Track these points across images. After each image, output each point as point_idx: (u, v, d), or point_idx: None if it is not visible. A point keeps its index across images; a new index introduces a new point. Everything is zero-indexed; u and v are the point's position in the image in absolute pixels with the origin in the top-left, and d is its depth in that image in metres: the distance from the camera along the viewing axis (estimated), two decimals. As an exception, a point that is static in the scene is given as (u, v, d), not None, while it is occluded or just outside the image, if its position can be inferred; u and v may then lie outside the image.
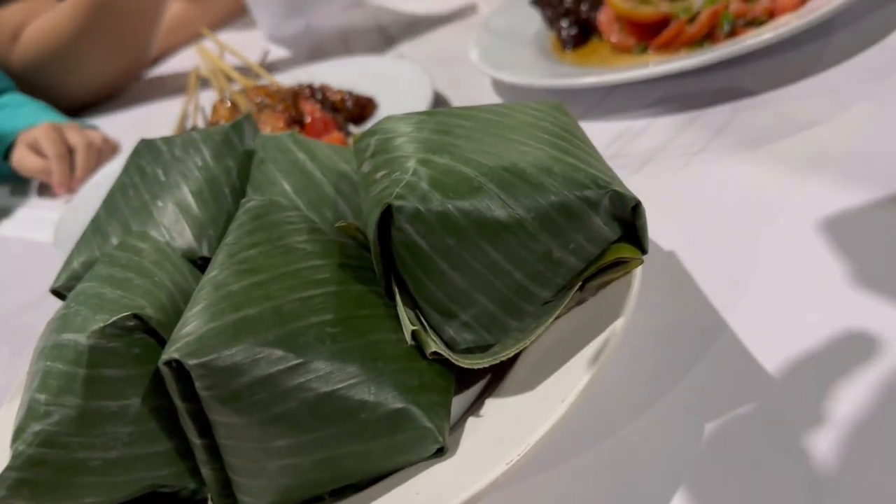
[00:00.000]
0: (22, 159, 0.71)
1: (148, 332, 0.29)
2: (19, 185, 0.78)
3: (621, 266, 0.29)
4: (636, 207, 0.28)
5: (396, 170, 0.28)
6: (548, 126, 0.32)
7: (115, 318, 0.28)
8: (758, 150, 0.41)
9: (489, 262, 0.27)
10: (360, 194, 0.33)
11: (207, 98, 0.70)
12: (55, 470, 0.28)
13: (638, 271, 0.29)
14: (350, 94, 0.60)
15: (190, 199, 0.37)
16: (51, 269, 0.58)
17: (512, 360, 0.30)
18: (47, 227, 0.65)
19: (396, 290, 0.29)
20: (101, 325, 0.28)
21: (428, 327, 0.29)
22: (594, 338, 0.28)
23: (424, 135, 0.31)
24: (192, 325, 0.26)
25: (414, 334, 0.28)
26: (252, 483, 0.27)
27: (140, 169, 0.39)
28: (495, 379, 0.30)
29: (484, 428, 0.27)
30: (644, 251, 0.29)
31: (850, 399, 0.27)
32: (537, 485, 0.29)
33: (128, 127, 0.82)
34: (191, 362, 0.25)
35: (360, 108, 0.59)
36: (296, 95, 0.58)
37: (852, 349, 0.29)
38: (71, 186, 0.69)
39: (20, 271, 0.62)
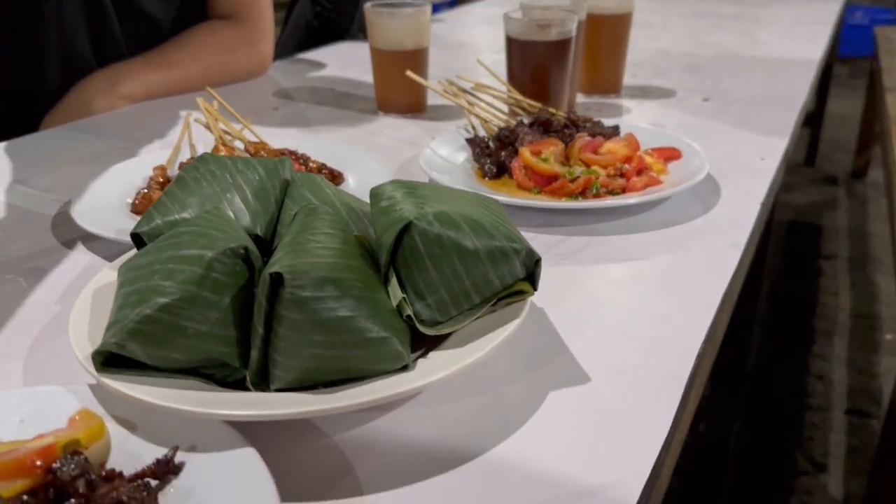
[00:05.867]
0: None
1: (245, 260, 0.46)
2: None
3: (520, 294, 0.50)
4: (538, 261, 0.50)
5: (414, 205, 0.49)
6: (492, 206, 0.53)
7: (234, 245, 0.45)
8: (597, 266, 0.65)
9: (454, 269, 0.48)
10: (373, 218, 0.53)
11: (198, 136, 0.86)
12: (164, 329, 0.44)
13: (529, 299, 0.50)
14: (325, 165, 0.80)
15: (250, 197, 0.55)
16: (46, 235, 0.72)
17: (447, 335, 0.49)
18: (48, 203, 0.79)
19: (393, 275, 0.49)
20: (225, 246, 0.45)
21: (406, 300, 0.48)
22: (498, 328, 0.48)
23: (424, 192, 0.52)
24: (283, 259, 0.45)
25: (399, 303, 0.47)
26: (288, 363, 0.44)
27: (211, 172, 0.57)
28: (434, 343, 0.50)
29: (427, 364, 0.47)
30: (535, 288, 0.50)
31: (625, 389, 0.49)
32: (444, 410, 0.48)
33: (118, 146, 0.97)
34: (287, 276, 0.43)
35: (332, 178, 0.79)
36: (290, 156, 0.77)
37: (632, 374, 0.51)
38: None
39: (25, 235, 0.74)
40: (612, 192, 0.76)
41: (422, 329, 0.48)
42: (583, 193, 0.76)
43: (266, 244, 0.54)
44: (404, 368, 0.46)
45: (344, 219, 0.55)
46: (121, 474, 0.40)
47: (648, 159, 0.81)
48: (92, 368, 0.44)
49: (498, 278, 0.49)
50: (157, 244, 0.49)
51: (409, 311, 0.47)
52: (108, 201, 0.75)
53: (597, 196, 0.76)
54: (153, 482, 0.40)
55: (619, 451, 0.44)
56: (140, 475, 0.40)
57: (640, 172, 0.79)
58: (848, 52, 4.22)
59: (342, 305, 0.44)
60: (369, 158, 0.83)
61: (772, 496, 1.59)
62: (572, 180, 0.77)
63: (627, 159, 0.80)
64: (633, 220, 0.74)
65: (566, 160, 0.82)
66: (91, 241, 0.71)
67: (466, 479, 0.43)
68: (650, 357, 0.53)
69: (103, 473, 0.40)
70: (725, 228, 0.72)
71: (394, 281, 0.49)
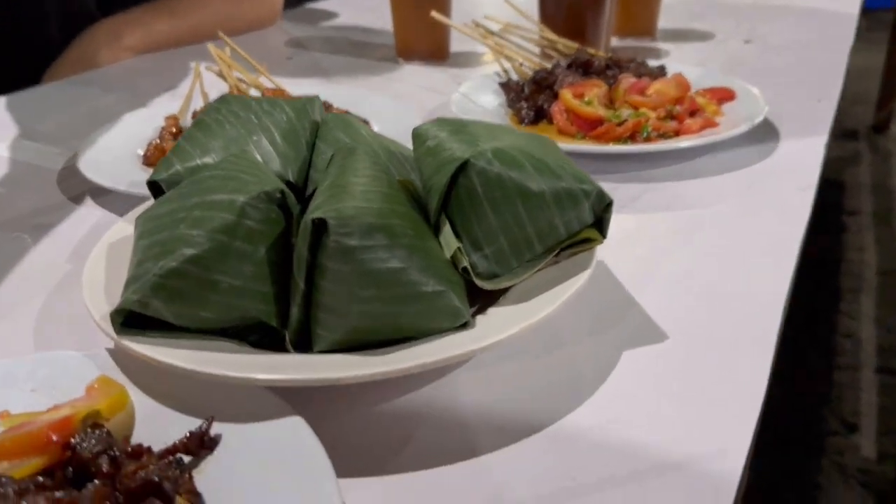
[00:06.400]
0: None
1: (281, 206, 0.41)
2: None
3: (587, 243, 0.45)
4: (609, 205, 0.44)
5: (466, 143, 0.43)
6: (549, 144, 0.47)
7: (269, 188, 0.40)
8: (657, 214, 0.59)
9: (516, 214, 0.42)
10: (418, 161, 0.47)
11: (210, 85, 0.80)
12: (192, 284, 0.38)
13: (597, 248, 0.45)
14: (349, 113, 0.74)
15: (278, 140, 0.49)
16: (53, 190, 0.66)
17: (506, 289, 0.44)
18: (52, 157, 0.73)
19: (446, 222, 0.43)
20: (259, 190, 0.40)
21: (461, 250, 0.43)
22: (566, 281, 0.43)
23: (474, 129, 0.46)
24: (325, 203, 0.39)
25: (454, 254, 0.42)
26: (334, 320, 0.39)
27: (234, 113, 0.51)
28: (489, 299, 0.44)
29: (488, 321, 0.41)
30: (605, 236, 0.45)
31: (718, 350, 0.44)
32: (510, 369, 0.43)
33: (125, 99, 0.91)
34: (332, 222, 0.38)
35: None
36: (309, 101, 0.71)
37: (708, 328, 0.46)
38: None
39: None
40: (664, 136, 0.70)
41: (479, 283, 0.43)
42: (631, 138, 0.70)
43: (299, 191, 0.48)
44: (464, 326, 0.40)
45: (384, 162, 0.49)
46: (149, 450, 0.35)
47: (701, 100, 0.75)
48: (110, 329, 0.39)
49: (563, 224, 0.43)
50: (178, 190, 0.43)
51: (465, 263, 0.42)
52: (117, 153, 0.70)
53: (648, 140, 0.69)
54: (186, 458, 0.35)
55: (712, 416, 0.39)
56: (171, 451, 0.35)
57: (692, 114, 0.73)
58: (866, 4, 4.10)
59: (393, 256, 0.39)
60: (395, 105, 0.77)
61: (802, 457, 1.55)
62: (619, 124, 0.71)
63: (678, 101, 0.74)
64: (689, 165, 0.68)
65: (610, 103, 0.76)
66: (101, 195, 0.65)
67: (537, 450, 0.38)
68: (730, 311, 0.47)
69: (129, 449, 0.35)
70: (790, 172, 0.66)
71: (447, 229, 0.43)
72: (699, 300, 0.48)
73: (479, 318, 0.42)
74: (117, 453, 0.34)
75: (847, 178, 2.75)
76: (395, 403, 0.41)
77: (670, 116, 0.72)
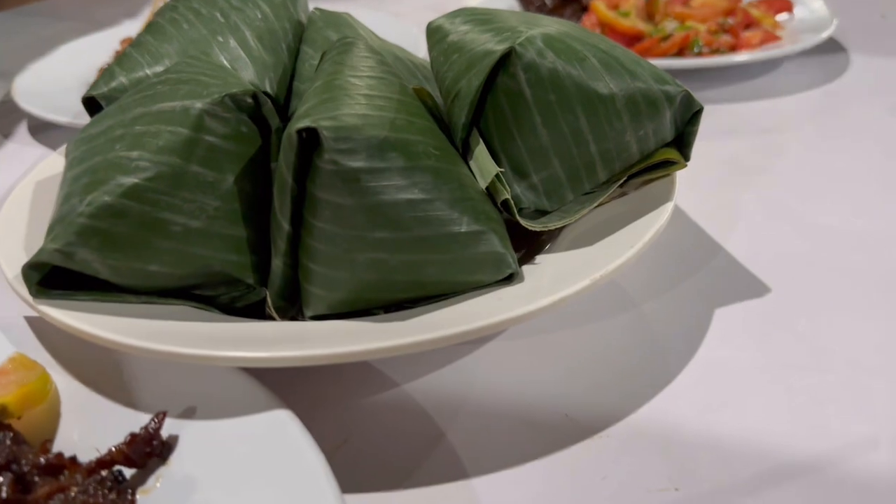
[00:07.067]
0: None
1: (255, 117, 0.30)
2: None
3: (665, 167, 0.34)
4: (697, 113, 0.33)
5: (508, 31, 0.32)
6: (607, 39, 0.36)
7: (237, 91, 0.29)
8: (726, 140, 0.49)
9: (576, 127, 0.31)
10: (436, 62, 0.36)
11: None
12: (134, 225, 0.27)
13: (677, 175, 0.34)
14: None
15: (252, 42, 0.38)
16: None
17: (552, 233, 0.33)
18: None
19: (479, 140, 0.32)
20: (223, 92, 0.28)
21: (501, 178, 0.32)
22: (640, 219, 0.32)
23: (510, 17, 0.34)
24: (317, 109, 0.28)
25: (492, 182, 0.31)
26: (333, 274, 0.28)
27: (194, 10, 0.39)
28: (535, 242, 0.33)
29: (538, 273, 0.31)
30: (688, 158, 0.34)
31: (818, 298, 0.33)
32: (568, 336, 0.32)
33: (78, 28, 0.78)
34: (327, 134, 0.26)
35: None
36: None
37: (812, 267, 0.35)
38: None
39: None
40: (717, 52, 0.59)
41: (524, 223, 0.32)
42: (679, 55, 0.59)
43: (279, 108, 0.37)
44: (509, 279, 0.30)
45: (392, 65, 0.38)
46: (73, 461, 0.25)
47: (756, 13, 0.63)
48: (24, 291, 0.28)
49: (637, 142, 0.32)
50: (119, 103, 0.32)
51: (506, 195, 0.31)
52: (64, 84, 0.58)
53: (700, 56, 0.58)
54: (127, 472, 0.25)
55: (847, 393, 0.29)
56: (105, 462, 0.25)
57: (747, 27, 0.62)
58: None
59: (413, 183, 0.28)
60: (398, 25, 0.65)
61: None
62: (664, 39, 0.59)
63: (729, 12, 0.62)
64: (750, 84, 0.57)
65: (649, 17, 0.65)
66: (43, 131, 0.54)
67: (618, 449, 0.27)
68: (841, 253, 0.37)
69: (43, 461, 0.24)
70: (873, 92, 0.55)
71: (481, 149, 0.32)
72: (799, 241, 0.38)
73: (526, 268, 0.31)
74: (26, 468, 0.24)
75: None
76: (416, 388, 0.30)
77: (723, 30, 0.61)
